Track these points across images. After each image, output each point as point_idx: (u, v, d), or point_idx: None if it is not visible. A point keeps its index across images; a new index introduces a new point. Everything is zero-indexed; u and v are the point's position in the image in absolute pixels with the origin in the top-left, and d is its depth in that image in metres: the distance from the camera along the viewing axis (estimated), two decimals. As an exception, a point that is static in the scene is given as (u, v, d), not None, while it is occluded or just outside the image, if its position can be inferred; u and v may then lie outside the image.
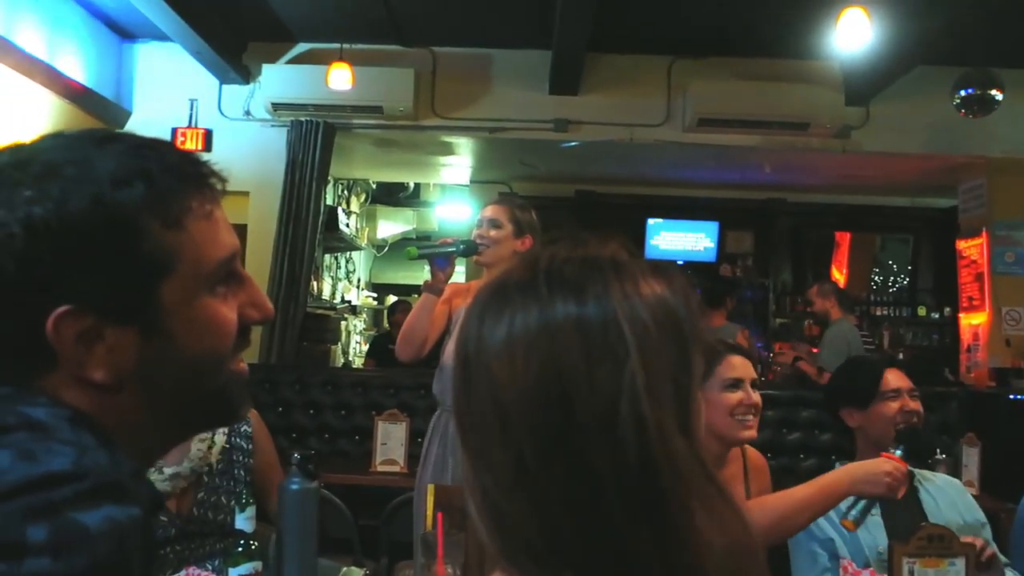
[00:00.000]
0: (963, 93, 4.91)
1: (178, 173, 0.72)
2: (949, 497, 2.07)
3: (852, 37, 4.05)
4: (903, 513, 1.97)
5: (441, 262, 2.57)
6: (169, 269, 0.70)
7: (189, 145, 5.57)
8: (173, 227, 0.70)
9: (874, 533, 1.93)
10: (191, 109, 5.62)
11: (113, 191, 0.68)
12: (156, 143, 0.74)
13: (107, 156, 0.69)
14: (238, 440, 2.12)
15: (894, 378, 2.14)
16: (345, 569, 1.90)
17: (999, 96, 4.86)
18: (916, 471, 2.12)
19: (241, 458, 2.11)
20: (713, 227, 7.39)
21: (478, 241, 2.63)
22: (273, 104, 5.43)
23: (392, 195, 8.63)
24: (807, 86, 5.45)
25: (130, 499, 0.63)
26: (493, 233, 2.63)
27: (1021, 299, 5.72)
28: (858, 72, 5.29)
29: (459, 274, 3.09)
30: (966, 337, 5.98)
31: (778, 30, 5.05)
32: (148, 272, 0.69)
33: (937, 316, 7.39)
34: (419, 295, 2.71)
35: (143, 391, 0.71)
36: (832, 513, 1.83)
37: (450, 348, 2.64)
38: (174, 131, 5.59)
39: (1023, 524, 2.11)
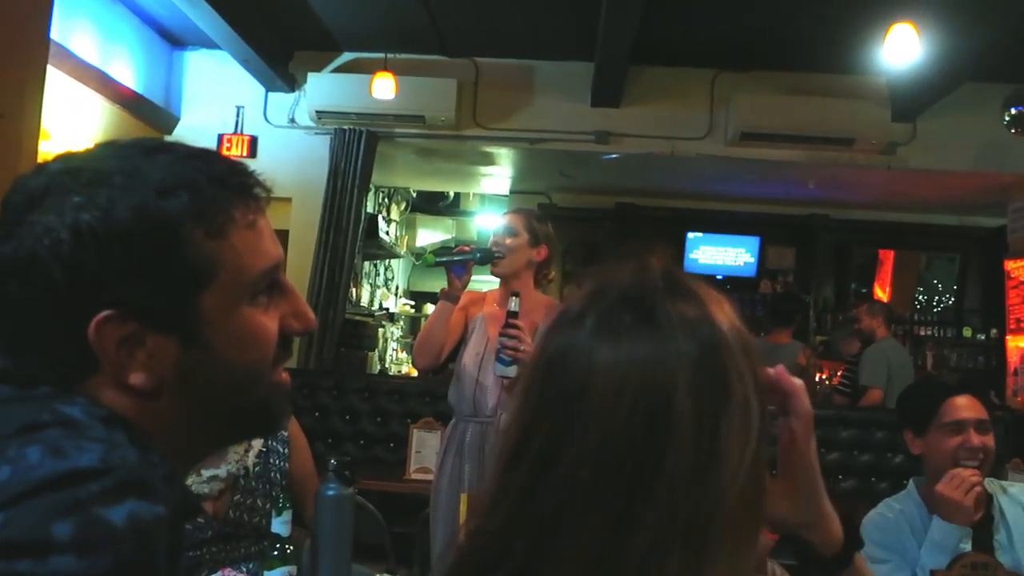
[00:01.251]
0: (1014, 111, 4.81)
1: (223, 183, 0.73)
2: (1021, 526, 1.93)
3: (900, 52, 4.00)
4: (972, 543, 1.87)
5: (458, 270, 2.58)
6: (210, 278, 0.71)
7: (234, 152, 5.67)
8: (216, 236, 0.71)
9: (940, 564, 1.81)
10: (237, 116, 5.72)
11: (158, 200, 0.69)
12: (204, 153, 0.75)
13: (155, 166, 0.71)
14: (275, 444, 2.14)
15: (960, 407, 1.97)
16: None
17: (1051, 114, 4.75)
18: (997, 485, 2.01)
19: (277, 462, 2.13)
20: (754, 242, 7.32)
21: (494, 249, 2.63)
22: (317, 112, 5.50)
23: (432, 204, 8.67)
24: (853, 101, 5.38)
25: (156, 497, 0.63)
26: (509, 241, 2.64)
27: (1071, 322, 5.59)
28: (905, 88, 5.21)
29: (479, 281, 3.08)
30: (1013, 360, 5.84)
31: (824, 44, 5.00)
32: (190, 281, 0.70)
33: (983, 337, 7.23)
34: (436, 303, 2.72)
35: (182, 398, 0.72)
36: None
37: (467, 357, 2.64)
38: (220, 137, 5.70)
39: None
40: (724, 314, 0.66)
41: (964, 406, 1.98)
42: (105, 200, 0.68)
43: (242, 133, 5.72)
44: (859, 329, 5.45)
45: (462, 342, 2.70)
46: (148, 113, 5.38)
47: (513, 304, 2.42)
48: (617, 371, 0.62)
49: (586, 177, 6.61)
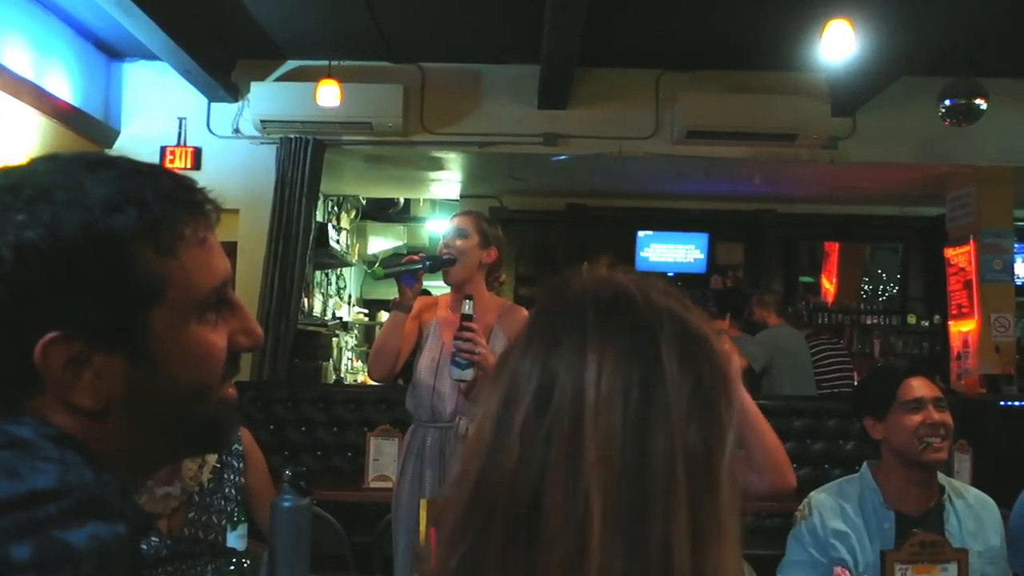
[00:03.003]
0: (948, 103, 4.95)
1: (172, 199, 0.71)
2: (976, 520, 1.98)
3: (837, 49, 4.09)
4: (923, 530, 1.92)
5: (408, 279, 2.56)
6: (159, 296, 0.69)
7: (178, 164, 5.57)
8: (165, 254, 0.70)
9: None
10: (180, 127, 5.63)
11: (105, 217, 0.67)
12: (150, 168, 0.73)
13: (99, 181, 0.68)
14: (229, 458, 2.11)
15: (916, 387, 2.03)
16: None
17: (983, 105, 4.90)
18: (950, 483, 2.06)
19: (232, 476, 2.10)
20: (703, 239, 7.42)
21: (444, 251, 2.62)
22: (262, 121, 5.44)
23: (382, 211, 8.63)
24: (794, 98, 5.49)
25: (115, 516, 0.62)
26: (460, 243, 2.62)
27: (1009, 306, 5.76)
28: (844, 83, 5.33)
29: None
30: (956, 344, 6.00)
31: (764, 42, 5.09)
32: (138, 299, 0.69)
33: (927, 324, 7.42)
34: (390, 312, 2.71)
35: (130, 418, 0.70)
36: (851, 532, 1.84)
37: (423, 364, 2.64)
38: (163, 149, 5.60)
39: (1020, 519, 2.08)
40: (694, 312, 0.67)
41: (920, 385, 2.04)
42: (49, 217, 0.65)
43: (185, 145, 5.63)
44: (753, 321, 5.56)
45: (417, 349, 2.69)
46: (87, 127, 5.27)
47: (467, 307, 2.41)
48: (608, 388, 0.62)
49: (536, 179, 6.64)
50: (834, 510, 1.99)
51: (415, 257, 2.60)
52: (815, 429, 4.33)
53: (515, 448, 0.62)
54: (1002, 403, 5.00)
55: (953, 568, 1.42)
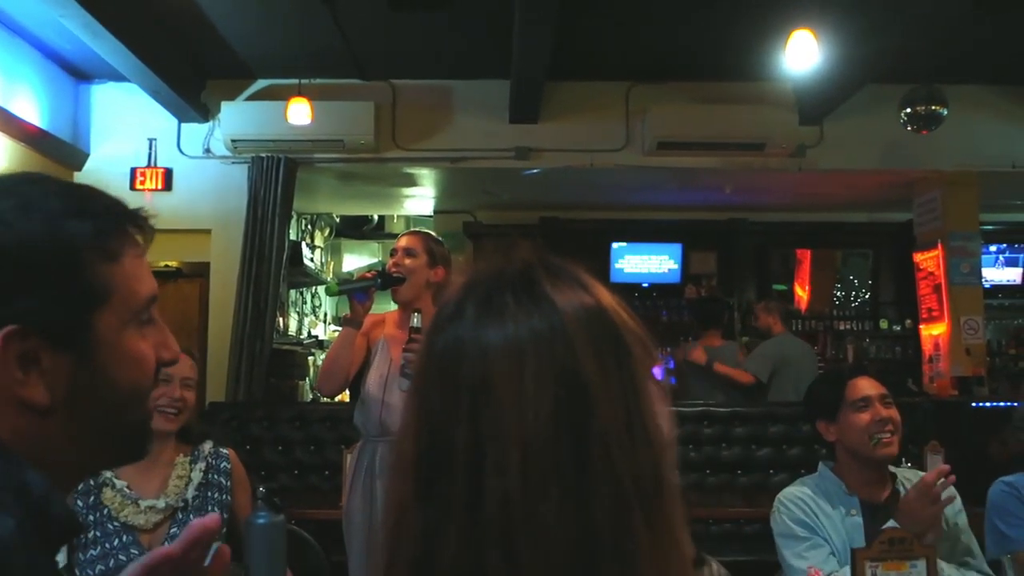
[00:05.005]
0: (909, 110, 5.04)
1: (118, 213, 0.78)
2: None
3: (801, 58, 4.14)
4: (884, 519, 1.96)
5: (360, 296, 2.62)
6: (105, 300, 0.74)
7: (149, 185, 5.54)
8: (112, 261, 0.75)
9: (856, 539, 1.93)
10: (150, 148, 5.60)
11: (64, 221, 0.72)
12: (86, 186, 0.79)
13: (50, 193, 0.73)
14: (216, 476, 2.12)
15: (862, 386, 2.09)
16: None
17: (943, 111, 4.99)
18: (900, 472, 2.12)
19: (217, 495, 2.10)
20: (676, 249, 7.46)
21: (393, 270, 2.68)
22: (233, 141, 5.42)
23: (356, 228, 8.61)
24: (762, 107, 5.57)
25: (2, 510, 0.64)
26: (408, 262, 2.69)
27: (978, 308, 5.84)
28: (810, 92, 5.41)
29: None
30: (927, 348, 6.08)
31: (732, 53, 5.16)
32: (87, 301, 0.73)
33: (899, 328, 7.50)
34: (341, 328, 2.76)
35: (70, 418, 0.73)
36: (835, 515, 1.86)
37: (372, 379, 2.67)
38: (133, 171, 5.57)
39: (994, 509, 2.12)
40: (601, 289, 0.67)
41: (866, 384, 2.10)
42: (12, 217, 0.70)
43: (156, 166, 5.60)
44: (756, 326, 5.61)
45: (365, 366, 2.72)
46: (55, 149, 5.22)
47: (415, 320, 2.49)
48: (512, 350, 0.61)
49: (509, 193, 6.66)
50: (804, 498, 2.05)
51: (368, 275, 2.67)
52: (759, 436, 4.38)
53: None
54: (974, 404, 5.07)
55: (922, 564, 1.44)
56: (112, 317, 0.74)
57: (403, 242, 2.76)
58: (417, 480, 0.62)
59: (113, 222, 0.76)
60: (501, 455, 0.58)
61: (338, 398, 7.79)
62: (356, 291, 2.62)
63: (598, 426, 0.59)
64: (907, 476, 2.12)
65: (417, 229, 3.13)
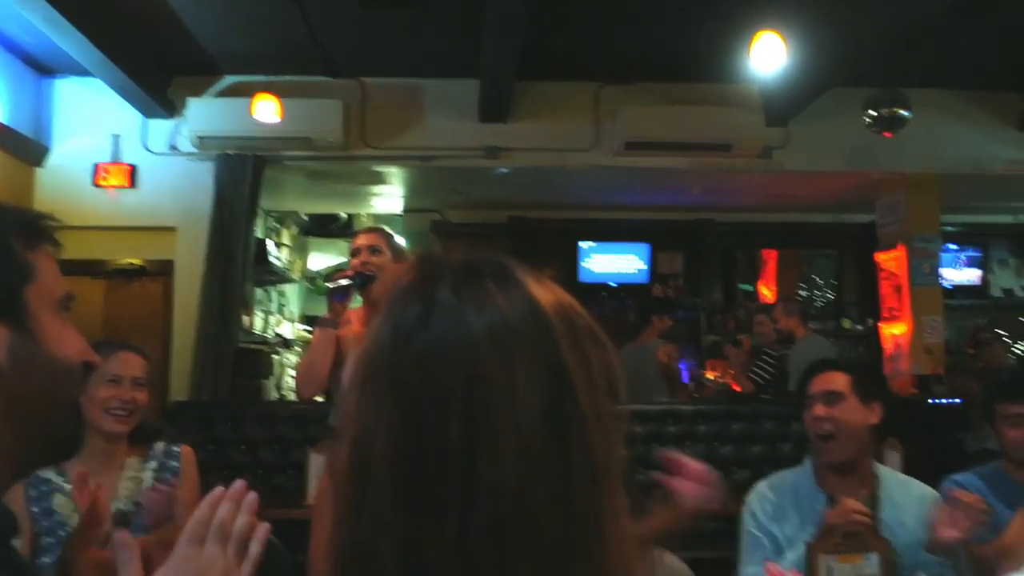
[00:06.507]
0: (873, 112, 5.12)
1: (30, 214, 0.91)
2: (915, 516, 1.98)
3: (768, 60, 4.19)
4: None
5: (340, 296, 2.63)
6: (32, 279, 0.85)
7: (113, 181, 5.47)
8: (33, 249, 0.87)
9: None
10: (114, 144, 5.52)
11: None
12: None
13: None
14: (167, 476, 2.09)
15: (814, 383, 2.09)
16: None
17: (906, 114, 5.07)
18: (894, 475, 2.11)
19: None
20: (644, 249, 7.51)
21: (362, 270, 2.68)
22: (199, 137, 5.36)
23: (325, 226, 8.55)
24: (729, 109, 5.61)
25: None
26: (376, 259, 2.71)
27: (938, 309, 5.94)
28: (776, 94, 5.47)
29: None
30: (888, 347, 6.17)
31: (700, 55, 5.20)
32: (18, 276, 0.85)
33: (861, 328, 7.60)
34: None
35: (6, 392, 0.80)
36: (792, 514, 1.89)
37: (345, 378, 2.65)
38: (96, 167, 5.48)
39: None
40: (557, 287, 0.68)
41: (821, 380, 2.10)
42: None
43: (120, 162, 5.52)
44: (777, 329, 5.67)
45: (336, 366, 2.72)
46: (15, 144, 5.13)
47: None
48: (501, 340, 0.61)
49: (478, 193, 6.66)
50: (768, 497, 2.06)
51: (348, 273, 2.66)
52: (753, 432, 4.42)
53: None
54: (931, 401, 5.16)
55: (875, 557, 1.47)
56: (38, 296, 0.85)
57: (365, 240, 2.77)
58: (396, 484, 0.59)
59: (31, 219, 0.89)
60: (496, 446, 0.58)
61: (305, 397, 7.75)
62: (338, 291, 2.65)
63: (578, 413, 0.60)
64: (899, 480, 2.10)
65: (375, 226, 3.14)
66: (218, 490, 0.88)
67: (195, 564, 0.83)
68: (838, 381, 2.07)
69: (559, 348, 0.61)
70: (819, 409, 2.03)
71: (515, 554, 0.57)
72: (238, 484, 0.89)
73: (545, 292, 0.64)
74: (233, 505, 0.87)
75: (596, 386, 0.62)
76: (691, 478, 1.44)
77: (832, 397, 2.04)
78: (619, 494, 0.63)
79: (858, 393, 2.05)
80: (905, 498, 2.04)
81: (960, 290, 7.59)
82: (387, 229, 2.95)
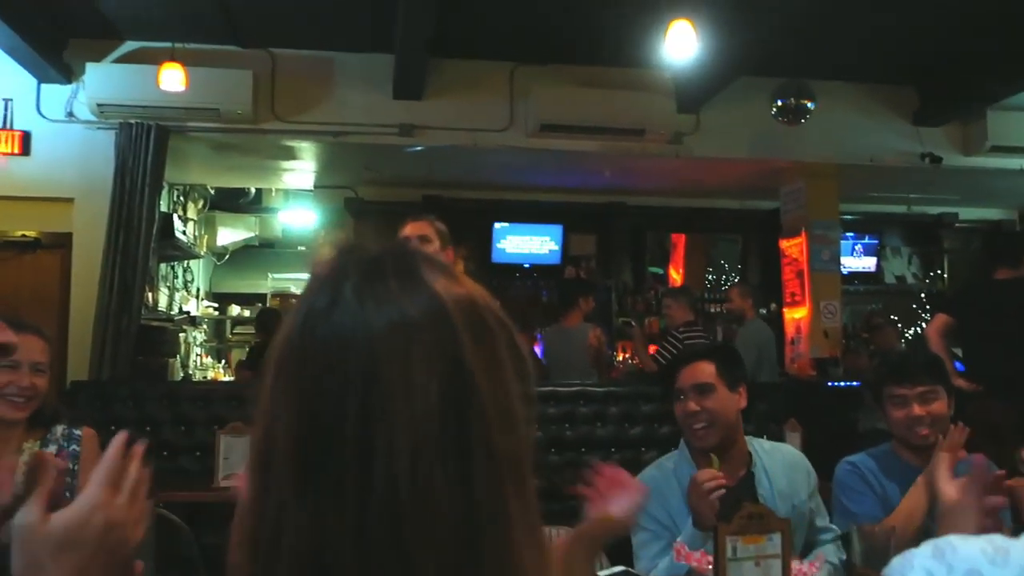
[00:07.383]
0: (779, 102, 5.28)
1: None
2: (788, 480, 2.10)
3: (680, 48, 4.26)
4: (738, 499, 2.02)
5: None
6: None
7: (3, 148, 5.18)
8: None
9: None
10: (5, 109, 5.24)
11: None
12: None
13: None
14: (65, 460, 2.01)
15: (683, 375, 2.12)
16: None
17: (811, 105, 5.26)
18: (761, 446, 2.17)
19: (68, 480, 1.99)
20: (557, 230, 7.58)
21: None
22: (99, 105, 5.13)
23: (232, 201, 8.32)
24: (643, 94, 5.70)
25: None
26: (426, 248, 2.65)
27: (836, 293, 6.21)
28: (688, 81, 5.58)
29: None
30: (790, 330, 6.42)
31: (614, 39, 5.26)
32: None
33: (764, 312, 7.85)
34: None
35: None
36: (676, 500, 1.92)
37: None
38: (-15, 133, 5.19)
39: (840, 486, 2.22)
40: (467, 279, 0.68)
41: (683, 373, 2.14)
42: None
43: (11, 128, 5.24)
44: (730, 309, 5.89)
45: None
46: None
47: None
48: (399, 335, 0.61)
49: (392, 170, 6.59)
50: (656, 485, 2.08)
51: None
52: (631, 414, 4.54)
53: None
54: (829, 383, 5.40)
55: (777, 537, 1.55)
56: None
57: (414, 229, 2.72)
58: (296, 472, 0.59)
59: None
60: (391, 439, 0.58)
61: (210, 376, 7.58)
62: None
63: (479, 408, 0.61)
64: (767, 449, 2.18)
65: (421, 214, 3.05)
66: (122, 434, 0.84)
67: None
68: (706, 371, 2.11)
69: (458, 343, 0.61)
70: (692, 404, 2.08)
71: (415, 541, 0.58)
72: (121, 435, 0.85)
73: (450, 286, 0.64)
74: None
75: (501, 378, 0.63)
76: (615, 487, 1.47)
77: (702, 389, 2.09)
78: (527, 478, 0.64)
79: (726, 381, 2.11)
80: (776, 465, 2.13)
81: (856, 276, 7.93)
82: (431, 216, 2.87)
